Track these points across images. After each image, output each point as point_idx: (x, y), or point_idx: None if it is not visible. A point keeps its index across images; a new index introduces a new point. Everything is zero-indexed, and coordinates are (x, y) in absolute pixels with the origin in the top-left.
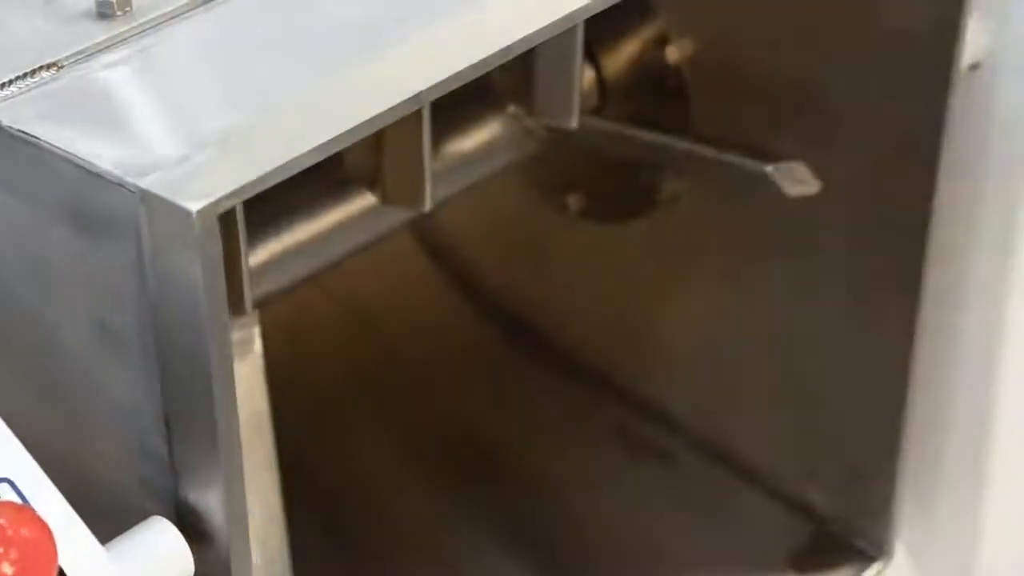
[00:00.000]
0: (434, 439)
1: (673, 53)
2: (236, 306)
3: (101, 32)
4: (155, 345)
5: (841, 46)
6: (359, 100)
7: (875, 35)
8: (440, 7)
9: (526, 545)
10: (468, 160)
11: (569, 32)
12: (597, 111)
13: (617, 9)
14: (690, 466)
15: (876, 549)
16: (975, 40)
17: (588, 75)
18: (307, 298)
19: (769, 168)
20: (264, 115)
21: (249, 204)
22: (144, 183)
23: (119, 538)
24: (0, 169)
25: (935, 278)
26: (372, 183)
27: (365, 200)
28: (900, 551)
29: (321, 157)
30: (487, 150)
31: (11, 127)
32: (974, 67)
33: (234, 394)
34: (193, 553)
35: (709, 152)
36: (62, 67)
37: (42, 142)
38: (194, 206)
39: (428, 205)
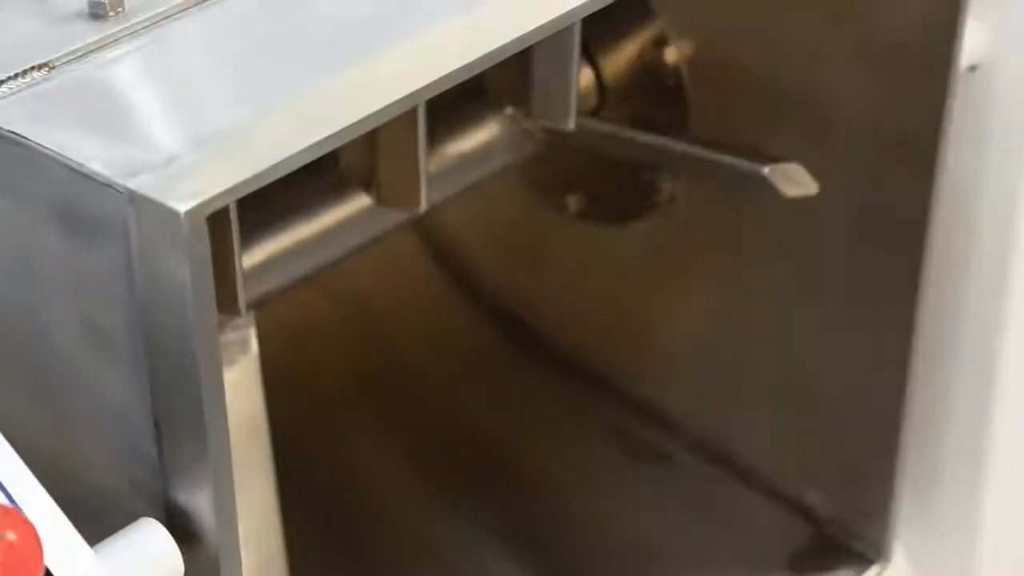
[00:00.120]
0: (434, 439)
1: (672, 54)
2: (230, 307)
3: (93, 32)
4: (144, 347)
5: (839, 47)
6: (351, 101)
7: (873, 37)
8: (435, 7)
9: (525, 545)
10: (465, 162)
11: (565, 32)
12: (596, 112)
13: (616, 10)
14: (689, 467)
15: (875, 552)
16: (973, 42)
17: (587, 76)
18: (308, 299)
19: (766, 170)
20: (256, 116)
21: (244, 204)
22: (133, 184)
23: (108, 539)
24: None
25: (934, 280)
26: (368, 184)
27: (361, 201)
28: (899, 553)
29: (311, 158)
30: (484, 152)
31: (1, 128)
32: (972, 69)
33: (223, 396)
34: (183, 554)
35: (706, 153)
36: (54, 67)
37: (32, 143)
38: (182, 207)
39: (423, 207)
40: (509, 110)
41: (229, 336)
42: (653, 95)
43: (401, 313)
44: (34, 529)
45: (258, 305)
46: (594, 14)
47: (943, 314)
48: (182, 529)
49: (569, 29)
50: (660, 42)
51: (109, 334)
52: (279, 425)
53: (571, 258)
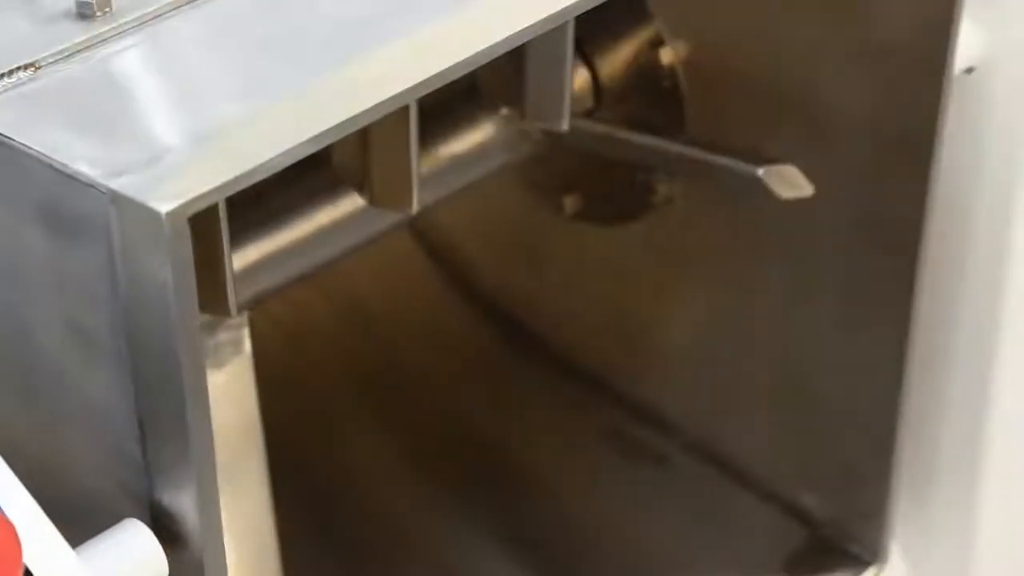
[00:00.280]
0: (430, 440)
1: (668, 55)
2: (220, 308)
3: (80, 32)
4: (128, 347)
5: (835, 49)
6: (341, 100)
7: (869, 38)
8: (424, 6)
9: (522, 546)
10: (459, 163)
11: (559, 32)
12: (592, 113)
13: (612, 11)
14: (686, 469)
15: (871, 554)
16: (969, 44)
17: (583, 76)
18: (304, 298)
19: (760, 171)
20: (242, 116)
21: (235, 205)
22: (115, 184)
23: (92, 540)
24: None
25: (930, 281)
26: (360, 185)
27: (354, 202)
28: (895, 555)
29: (298, 158)
30: (478, 152)
31: None
32: (969, 71)
33: (206, 397)
34: (167, 555)
35: (701, 155)
36: (40, 67)
37: (15, 142)
38: (163, 207)
39: (415, 207)
40: (504, 111)
41: (222, 336)
42: (649, 96)
43: (398, 313)
44: (13, 528)
45: (251, 306)
46: (590, 15)
47: (939, 315)
48: (167, 530)
49: (562, 28)
50: (656, 43)
51: (93, 334)
52: (275, 425)
53: (568, 258)
